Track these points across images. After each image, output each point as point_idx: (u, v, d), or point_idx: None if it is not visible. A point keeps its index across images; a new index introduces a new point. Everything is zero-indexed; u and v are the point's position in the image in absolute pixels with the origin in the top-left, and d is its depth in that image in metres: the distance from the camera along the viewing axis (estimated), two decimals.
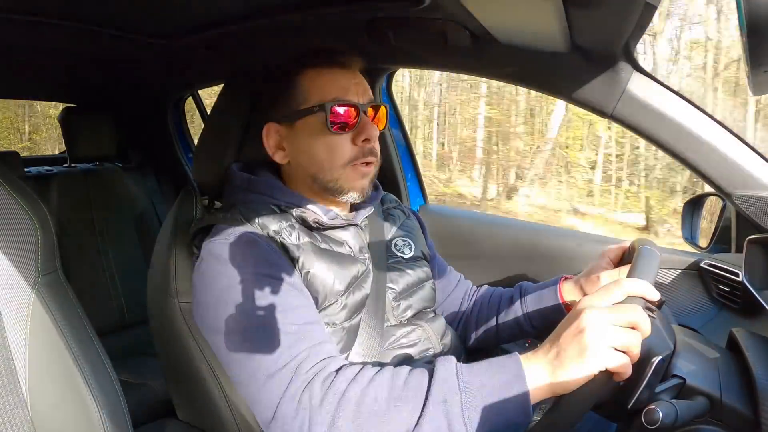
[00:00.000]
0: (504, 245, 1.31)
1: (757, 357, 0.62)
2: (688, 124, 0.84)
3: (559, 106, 8.14)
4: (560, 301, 0.85)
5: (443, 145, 10.61)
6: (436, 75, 9.68)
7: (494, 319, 0.93)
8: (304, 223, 0.76)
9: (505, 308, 0.92)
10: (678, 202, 7.90)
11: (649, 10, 0.64)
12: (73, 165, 1.79)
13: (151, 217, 1.87)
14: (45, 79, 1.62)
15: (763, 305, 0.82)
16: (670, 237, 7.23)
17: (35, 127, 9.50)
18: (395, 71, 1.41)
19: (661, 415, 0.54)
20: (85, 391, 0.66)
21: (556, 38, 0.77)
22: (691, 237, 1.09)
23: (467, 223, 1.41)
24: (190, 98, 1.99)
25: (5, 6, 0.87)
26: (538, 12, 0.68)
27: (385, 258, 0.84)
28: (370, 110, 0.77)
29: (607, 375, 0.52)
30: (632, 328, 0.53)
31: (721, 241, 1.02)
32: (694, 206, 1.09)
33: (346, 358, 0.73)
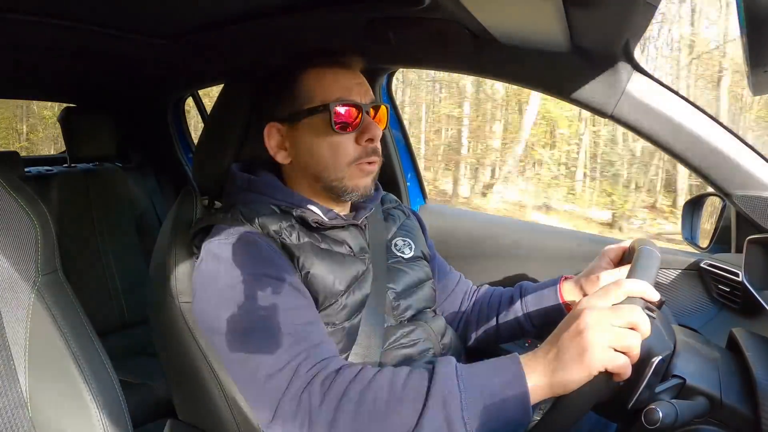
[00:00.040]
0: (504, 245, 1.31)
1: (757, 357, 0.62)
2: (688, 124, 0.84)
3: (532, 104, 8.16)
4: (560, 301, 0.85)
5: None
6: (405, 73, 9.73)
7: (494, 318, 0.93)
8: (304, 223, 0.76)
9: (506, 308, 0.92)
10: (640, 199, 8.08)
11: (649, 10, 0.64)
12: (73, 165, 1.79)
13: (151, 217, 1.87)
14: (45, 79, 1.61)
15: (763, 305, 0.82)
16: (633, 232, 7.34)
17: (32, 127, 9.55)
18: (395, 71, 1.41)
19: (661, 415, 0.54)
20: (85, 391, 0.66)
21: (556, 38, 0.77)
22: (691, 237, 1.08)
23: (467, 223, 1.41)
24: (190, 98, 1.99)
25: (5, 6, 0.87)
26: (538, 12, 0.68)
27: (385, 258, 0.84)
28: (371, 110, 0.78)
29: (606, 375, 0.52)
30: (632, 328, 0.53)
31: (721, 241, 1.02)
32: (694, 206, 1.09)
33: (346, 358, 0.73)
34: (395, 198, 0.99)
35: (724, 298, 0.99)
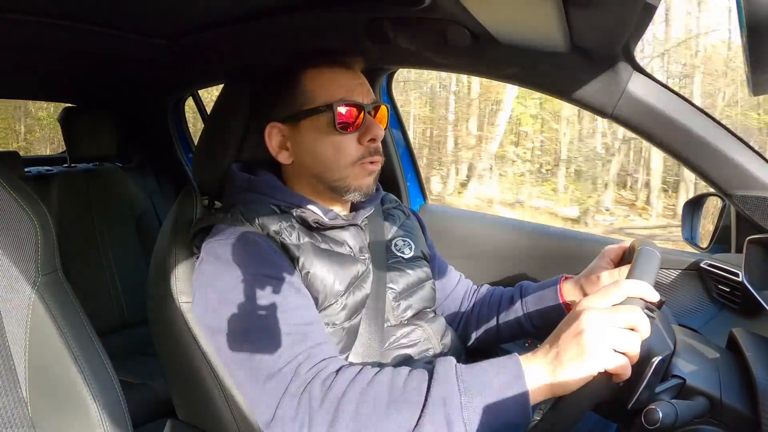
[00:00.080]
0: (504, 245, 1.31)
1: (757, 357, 0.62)
2: (688, 124, 0.84)
3: (506, 103, 8.18)
4: (561, 301, 0.85)
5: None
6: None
7: (495, 318, 0.93)
8: (304, 223, 0.76)
9: (506, 308, 0.93)
10: (605, 195, 8.19)
11: (649, 10, 0.64)
12: (73, 165, 1.79)
13: (151, 217, 1.87)
14: (45, 79, 1.61)
15: (763, 305, 0.82)
16: (598, 228, 7.45)
17: (30, 128, 9.65)
18: (395, 71, 1.41)
19: (661, 415, 0.54)
20: (85, 391, 0.66)
21: (556, 38, 0.77)
22: (691, 237, 1.09)
23: (467, 223, 1.41)
24: (190, 98, 1.99)
25: (5, 6, 0.87)
26: (538, 12, 0.68)
27: (385, 258, 0.84)
28: (372, 110, 0.78)
29: (606, 376, 0.52)
30: (631, 329, 0.53)
31: (721, 241, 1.02)
32: (694, 206, 1.09)
33: (346, 358, 0.73)
34: (395, 198, 0.99)
35: (724, 298, 0.99)
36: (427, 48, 1.01)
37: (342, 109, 0.74)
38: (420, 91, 10.06)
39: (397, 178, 1.46)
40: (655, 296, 0.57)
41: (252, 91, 0.85)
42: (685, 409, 0.56)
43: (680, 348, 0.63)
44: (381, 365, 0.74)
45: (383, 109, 0.81)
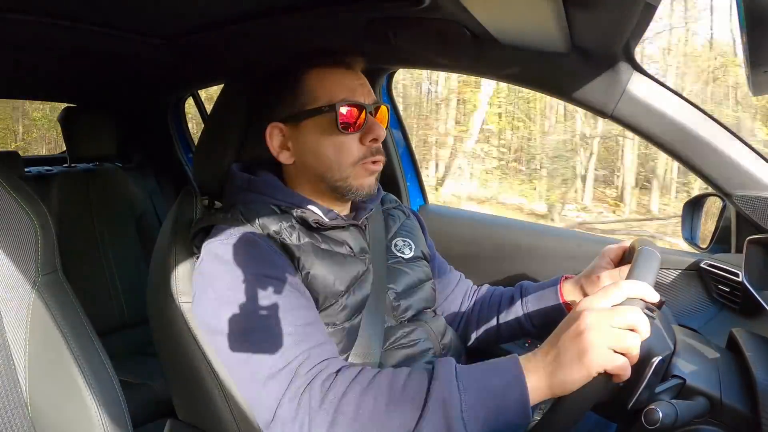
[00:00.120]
0: (504, 245, 1.31)
1: (757, 357, 0.62)
2: (688, 124, 0.84)
3: (482, 101, 8.28)
4: (561, 301, 0.85)
5: None
6: None
7: (495, 318, 0.93)
8: (304, 223, 0.76)
9: (506, 308, 0.93)
10: (585, 192, 8.38)
11: (649, 10, 0.64)
12: (73, 165, 1.79)
13: (151, 217, 1.87)
14: (45, 79, 1.61)
15: (763, 305, 0.82)
16: (563, 222, 7.58)
17: (27, 128, 9.77)
18: (395, 71, 1.41)
19: (661, 415, 0.54)
20: (85, 391, 0.66)
21: (556, 38, 0.77)
22: (691, 237, 1.09)
23: (467, 223, 1.41)
24: (191, 98, 1.99)
25: (5, 6, 0.87)
26: (538, 12, 0.68)
27: (385, 258, 0.84)
28: (373, 110, 0.78)
29: (606, 377, 0.52)
30: (631, 330, 0.53)
31: (721, 241, 1.02)
32: (694, 206, 1.09)
33: (346, 358, 0.72)
34: (395, 198, 0.99)
35: (724, 298, 0.99)
36: (427, 48, 1.01)
37: (344, 110, 0.74)
38: (395, 91, 10.27)
39: (397, 178, 1.46)
40: (655, 297, 0.57)
41: (252, 91, 0.85)
42: (685, 409, 0.56)
43: (680, 348, 0.63)
44: (381, 365, 0.74)
45: (384, 110, 0.81)
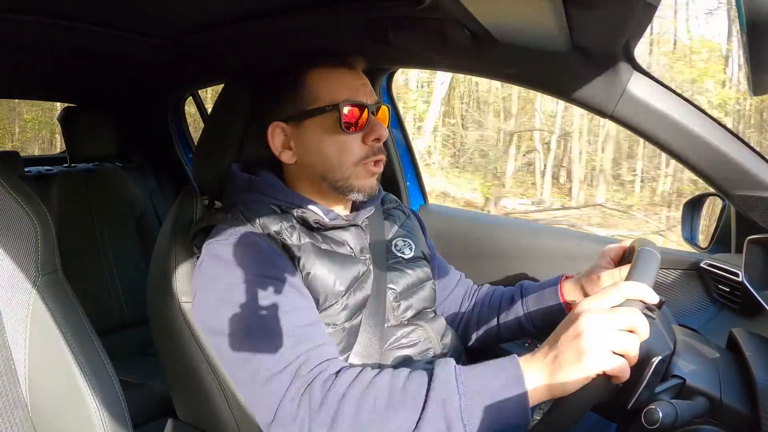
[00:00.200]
0: (504, 245, 1.31)
1: (757, 357, 0.62)
2: (688, 124, 0.84)
3: (435, 101, 8.40)
4: (561, 301, 0.85)
5: None
6: None
7: (495, 318, 0.93)
8: (304, 223, 0.76)
9: (506, 308, 0.93)
10: (506, 186, 8.67)
11: (649, 10, 0.64)
12: (73, 165, 1.79)
13: (151, 217, 1.87)
14: (45, 79, 1.61)
15: (763, 305, 0.82)
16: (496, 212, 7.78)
17: (22, 128, 9.93)
18: (395, 71, 1.41)
19: (661, 415, 0.54)
20: (85, 391, 0.66)
21: (556, 38, 0.77)
22: (691, 237, 1.09)
23: (467, 223, 1.41)
24: (190, 98, 1.99)
25: (5, 6, 0.87)
26: (538, 12, 0.68)
27: (385, 258, 0.84)
28: (375, 110, 0.78)
29: (605, 378, 0.52)
30: (630, 331, 0.53)
31: (721, 241, 1.02)
32: (694, 206, 1.09)
33: (347, 358, 0.73)
34: (395, 198, 0.99)
35: (724, 298, 0.99)
36: (427, 48, 1.01)
37: (347, 109, 0.74)
38: None
39: (397, 178, 1.46)
40: (654, 298, 0.57)
41: (253, 91, 0.85)
42: (685, 409, 0.56)
43: (680, 348, 0.63)
44: (381, 366, 0.74)
45: (385, 109, 0.81)
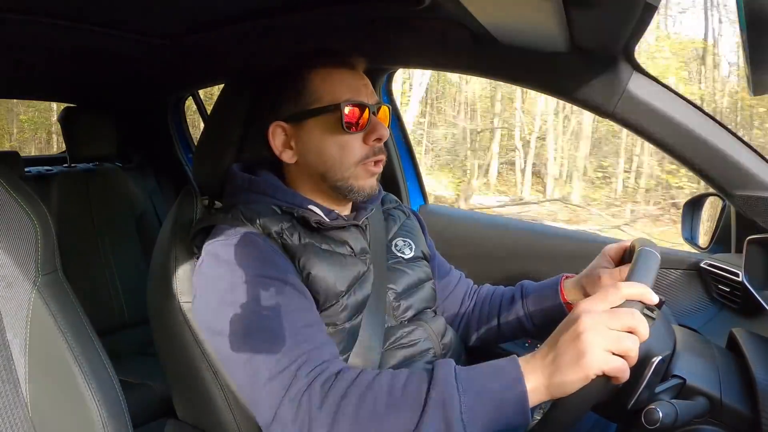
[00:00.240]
0: (504, 245, 1.31)
1: (757, 357, 0.62)
2: (688, 124, 0.84)
3: (413, 102, 8.52)
4: (561, 300, 0.85)
5: None
6: None
7: (495, 318, 0.93)
8: (305, 223, 0.76)
9: (507, 307, 0.93)
10: (473, 181, 8.89)
11: (649, 10, 0.64)
12: (73, 165, 1.79)
13: (151, 217, 1.87)
14: (45, 79, 1.61)
15: (763, 305, 0.82)
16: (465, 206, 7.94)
17: (21, 129, 10.03)
18: (395, 71, 1.41)
19: (661, 415, 0.54)
20: (85, 391, 0.66)
21: (556, 38, 0.77)
22: (691, 237, 1.09)
23: (467, 223, 1.41)
24: (191, 98, 1.99)
25: (5, 6, 0.87)
26: (538, 12, 0.68)
27: (385, 258, 0.84)
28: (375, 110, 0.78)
29: (604, 379, 0.52)
30: (630, 332, 0.53)
31: (721, 241, 1.02)
32: (694, 206, 1.09)
33: (347, 358, 0.72)
34: (395, 198, 0.99)
35: (724, 298, 0.99)
36: (427, 48, 1.01)
37: (348, 109, 0.74)
38: None
39: (397, 178, 1.46)
40: (654, 299, 0.57)
41: (253, 91, 0.85)
42: (685, 409, 0.56)
43: (680, 348, 0.63)
44: (381, 366, 0.74)
45: (385, 110, 0.81)
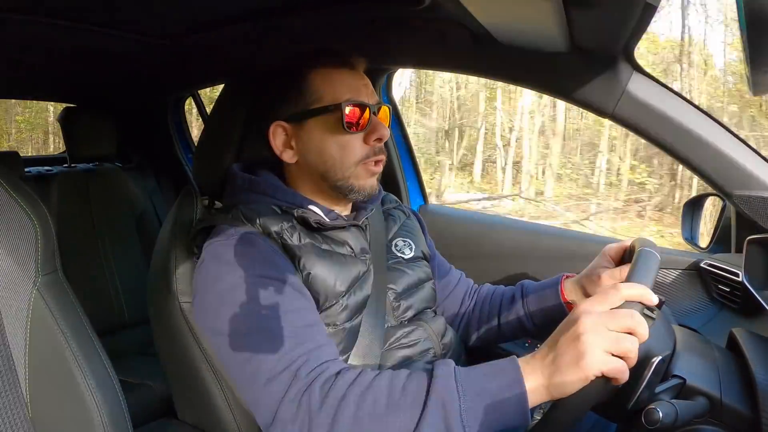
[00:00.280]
0: (504, 245, 1.31)
1: (757, 357, 0.62)
2: (688, 124, 0.84)
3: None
4: (562, 300, 0.85)
5: None
6: None
7: (496, 318, 0.93)
8: (305, 223, 0.76)
9: (507, 307, 0.93)
10: (445, 177, 9.06)
11: (649, 10, 0.64)
12: (73, 165, 1.79)
13: (151, 217, 1.87)
14: (45, 79, 1.61)
15: (763, 305, 0.82)
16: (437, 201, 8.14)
17: (19, 129, 10.12)
18: (395, 71, 1.41)
19: (661, 415, 0.54)
20: (85, 391, 0.66)
21: (556, 38, 0.77)
22: (691, 237, 1.08)
23: (467, 223, 1.41)
24: (191, 98, 1.99)
25: (5, 6, 0.87)
26: (538, 12, 0.68)
27: (385, 258, 0.84)
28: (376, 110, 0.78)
29: (604, 380, 0.52)
30: (629, 333, 0.53)
31: (721, 241, 1.02)
32: (694, 206, 1.09)
33: (347, 359, 0.73)
34: (395, 198, 0.99)
35: (724, 298, 0.99)
36: (427, 48, 1.01)
37: (349, 109, 0.74)
38: None
39: (397, 178, 1.46)
40: (653, 300, 0.57)
41: (254, 91, 0.85)
42: (685, 409, 0.56)
43: (680, 348, 0.63)
44: (381, 366, 0.74)
45: (385, 110, 0.82)
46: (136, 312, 1.73)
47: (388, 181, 1.44)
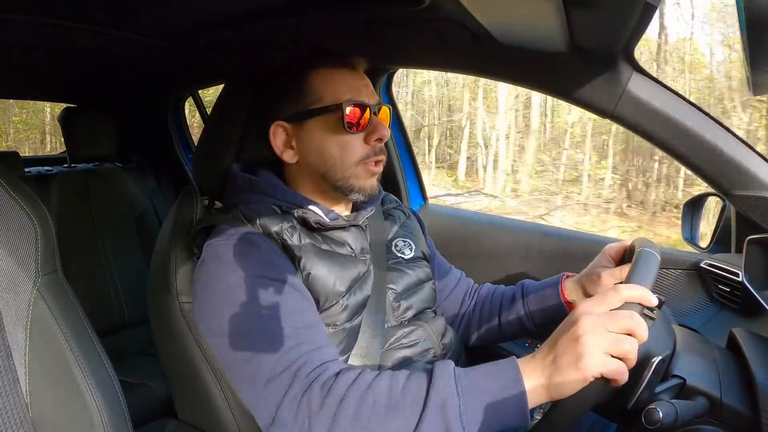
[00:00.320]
0: (504, 245, 1.31)
1: (757, 357, 0.62)
2: (688, 124, 0.84)
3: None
4: (562, 300, 0.85)
5: None
6: None
7: (496, 317, 0.93)
8: (305, 223, 0.76)
9: (507, 306, 0.93)
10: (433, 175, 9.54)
11: (649, 10, 0.64)
12: (73, 165, 1.79)
13: (151, 217, 1.87)
14: (45, 79, 1.61)
15: (763, 305, 0.82)
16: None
17: (17, 129, 10.15)
18: (395, 71, 1.41)
19: (661, 415, 0.54)
20: (85, 391, 0.66)
21: (556, 38, 0.77)
22: (691, 237, 1.09)
23: (467, 223, 1.41)
24: (191, 98, 1.99)
25: (5, 6, 0.87)
26: (538, 12, 0.68)
27: (385, 259, 0.84)
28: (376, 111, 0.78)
29: (603, 381, 0.52)
30: (629, 334, 0.53)
31: (721, 241, 1.02)
32: (694, 206, 1.09)
33: (347, 359, 0.73)
34: (395, 198, 0.99)
35: (724, 298, 0.99)
36: (427, 48, 1.01)
37: (349, 109, 0.74)
38: None
39: (397, 178, 1.46)
40: (653, 300, 0.57)
41: (254, 91, 0.85)
42: (685, 409, 0.56)
43: (680, 348, 0.63)
44: (381, 366, 0.74)
45: (385, 110, 0.82)
46: (136, 312, 1.73)
47: (388, 181, 1.44)
